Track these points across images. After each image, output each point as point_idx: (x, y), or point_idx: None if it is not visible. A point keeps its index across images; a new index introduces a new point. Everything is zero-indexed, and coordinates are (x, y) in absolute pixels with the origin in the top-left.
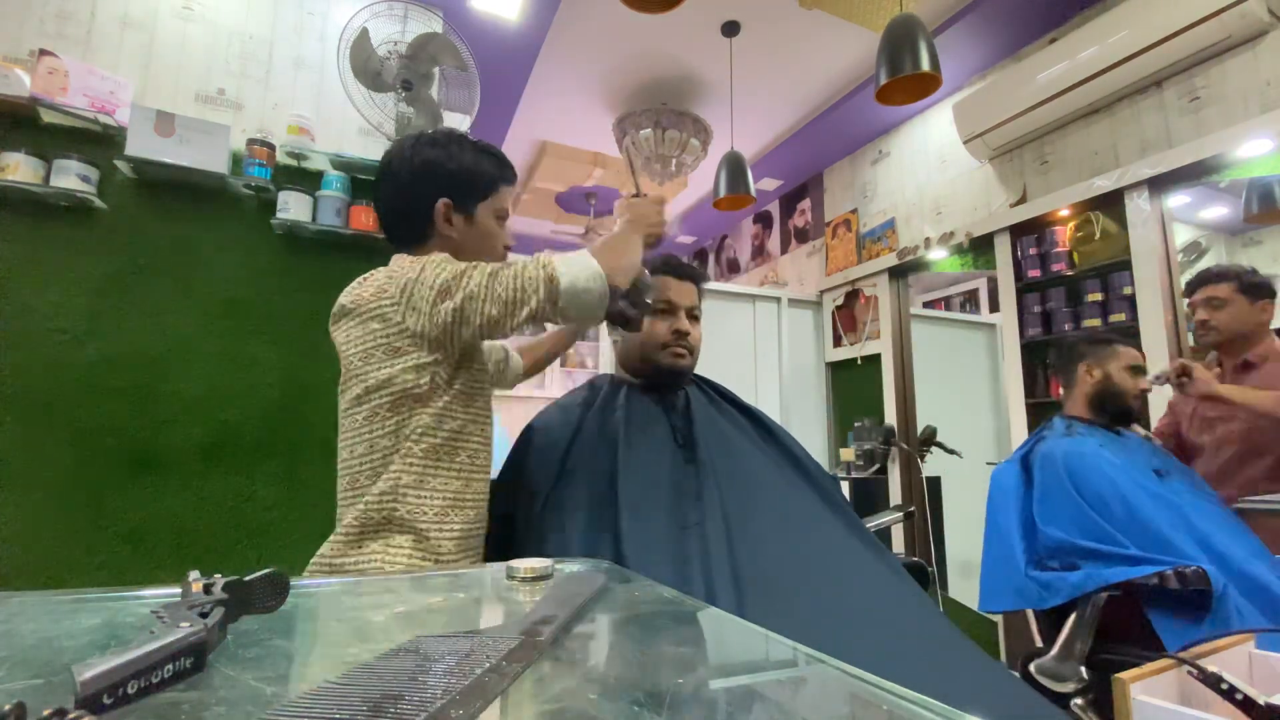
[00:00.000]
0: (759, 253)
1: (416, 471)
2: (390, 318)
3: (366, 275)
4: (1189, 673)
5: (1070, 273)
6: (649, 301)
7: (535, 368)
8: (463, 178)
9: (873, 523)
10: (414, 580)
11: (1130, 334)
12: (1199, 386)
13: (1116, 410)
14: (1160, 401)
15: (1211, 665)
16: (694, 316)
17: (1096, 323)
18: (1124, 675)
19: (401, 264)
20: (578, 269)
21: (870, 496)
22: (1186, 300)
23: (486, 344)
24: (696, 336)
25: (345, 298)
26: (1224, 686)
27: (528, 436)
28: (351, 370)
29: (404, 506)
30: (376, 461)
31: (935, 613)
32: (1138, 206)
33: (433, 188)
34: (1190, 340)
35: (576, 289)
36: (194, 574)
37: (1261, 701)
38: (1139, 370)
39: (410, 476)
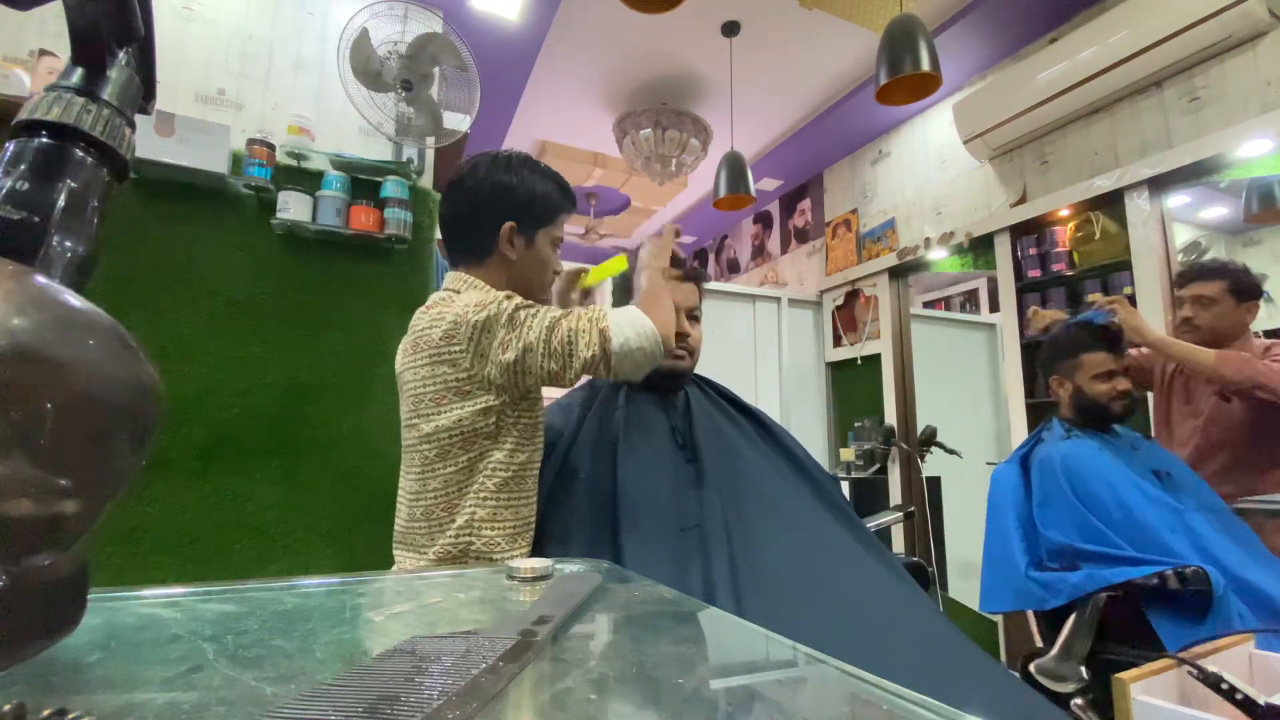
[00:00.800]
0: (759, 253)
1: (490, 506)
2: (459, 363)
3: (431, 303)
4: (1189, 673)
5: (1070, 273)
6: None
7: None
8: (530, 204)
9: (873, 523)
10: (414, 580)
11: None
12: (1126, 323)
13: (1099, 419)
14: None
15: (1211, 665)
16: (694, 317)
17: None
18: (1124, 675)
19: (466, 300)
20: (629, 329)
21: (870, 496)
22: (1175, 290)
23: None
24: (697, 338)
25: (413, 335)
26: (1224, 687)
27: None
28: (421, 408)
29: (479, 540)
30: (453, 495)
31: (935, 613)
32: (1138, 206)
33: (501, 211)
34: None
35: (629, 349)
36: None
37: (1261, 701)
38: (1112, 374)
39: (484, 510)
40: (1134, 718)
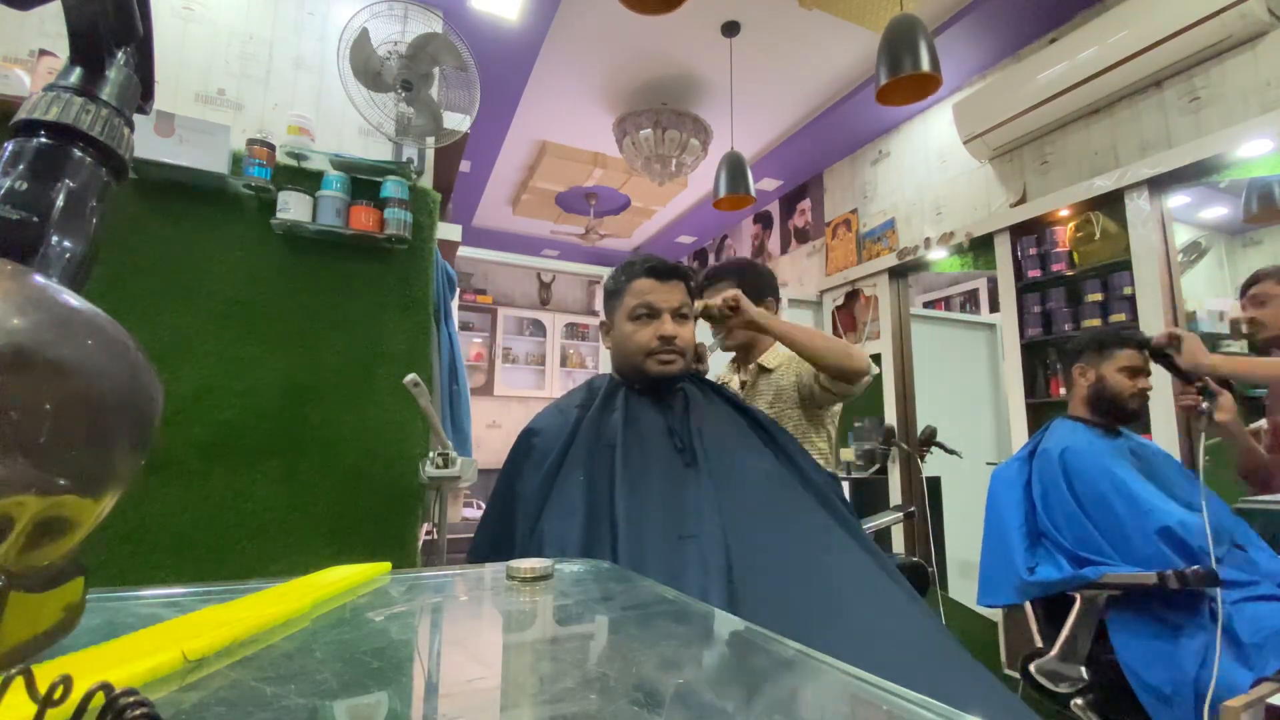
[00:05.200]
0: (759, 253)
1: None
2: None
3: None
4: None
5: (1070, 273)
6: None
7: None
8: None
9: (872, 523)
10: (414, 580)
11: None
12: (1186, 358)
13: (1113, 411)
14: (1161, 404)
15: None
16: (682, 316)
17: (1096, 323)
18: (1234, 703)
19: None
20: None
21: (870, 497)
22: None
23: None
24: (686, 337)
25: None
26: None
27: (526, 439)
28: None
29: None
30: None
31: (930, 618)
32: (1138, 206)
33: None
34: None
35: None
36: None
37: None
38: (1138, 371)
39: None
40: None
